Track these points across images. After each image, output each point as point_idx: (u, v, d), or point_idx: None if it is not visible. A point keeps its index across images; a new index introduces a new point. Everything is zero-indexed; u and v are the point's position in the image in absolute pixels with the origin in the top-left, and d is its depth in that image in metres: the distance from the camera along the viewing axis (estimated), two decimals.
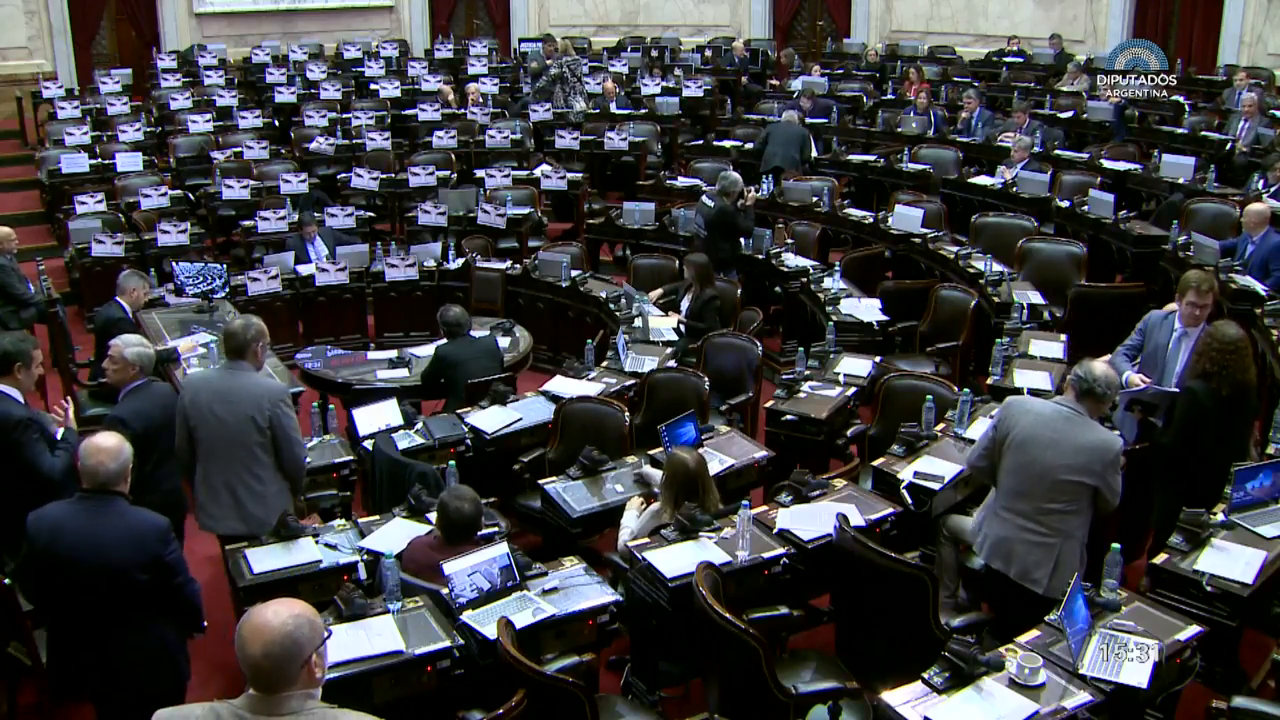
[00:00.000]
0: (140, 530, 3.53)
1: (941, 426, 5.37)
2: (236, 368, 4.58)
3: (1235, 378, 4.71)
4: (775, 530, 4.49)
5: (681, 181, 10.68)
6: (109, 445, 3.61)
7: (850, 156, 11.15)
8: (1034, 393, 5.48)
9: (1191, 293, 5.26)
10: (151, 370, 4.81)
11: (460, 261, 8.64)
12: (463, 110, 12.58)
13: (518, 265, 8.59)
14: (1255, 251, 7.39)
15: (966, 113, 11.44)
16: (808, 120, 11.72)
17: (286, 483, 4.70)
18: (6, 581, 4.18)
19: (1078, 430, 4.08)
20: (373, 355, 7.09)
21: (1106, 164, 10.07)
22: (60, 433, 4.59)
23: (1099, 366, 4.15)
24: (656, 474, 4.83)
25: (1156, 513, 4.91)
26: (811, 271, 7.99)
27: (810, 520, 4.49)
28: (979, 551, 4.37)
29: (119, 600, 3.51)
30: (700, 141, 12.21)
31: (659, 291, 7.80)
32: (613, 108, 12.83)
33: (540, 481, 5.13)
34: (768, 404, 5.97)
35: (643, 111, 12.82)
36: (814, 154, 11.21)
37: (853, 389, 6.04)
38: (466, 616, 3.89)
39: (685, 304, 7.46)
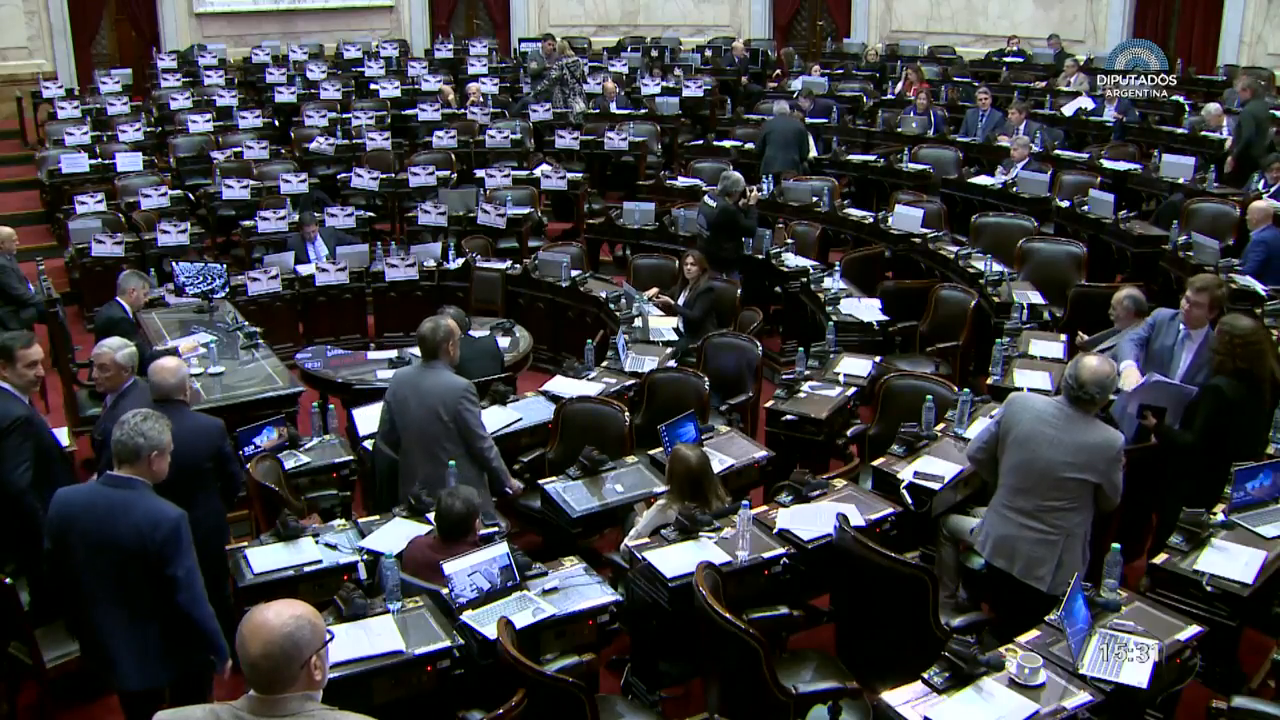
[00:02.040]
0: (205, 428, 4.48)
1: (941, 426, 5.37)
2: (431, 367, 5.02)
3: (1260, 364, 4.71)
4: (775, 530, 4.49)
5: (681, 181, 10.69)
6: (168, 365, 4.53)
7: (850, 156, 11.15)
8: (1034, 393, 5.48)
9: (1190, 291, 5.28)
10: (137, 368, 4.81)
11: (460, 261, 8.64)
12: (463, 110, 12.58)
13: (518, 265, 8.60)
14: (1249, 246, 7.49)
15: (982, 110, 11.36)
16: (808, 120, 11.72)
17: (478, 472, 4.98)
18: (8, 581, 4.19)
19: (1079, 428, 4.08)
20: (373, 355, 7.08)
21: (1106, 164, 10.08)
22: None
23: (1087, 369, 4.09)
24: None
25: (1168, 511, 4.88)
26: (811, 271, 7.99)
27: (810, 520, 4.49)
28: (981, 549, 4.36)
29: (189, 484, 4.20)
30: (700, 141, 12.21)
31: (655, 291, 7.79)
32: (613, 108, 12.82)
33: (540, 481, 5.13)
34: (768, 404, 5.97)
35: (643, 111, 12.82)
36: (814, 152, 11.21)
37: (853, 389, 6.05)
38: (466, 616, 3.89)
39: (683, 298, 7.48)
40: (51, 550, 3.78)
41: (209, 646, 3.75)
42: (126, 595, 3.64)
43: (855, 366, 6.28)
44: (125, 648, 3.68)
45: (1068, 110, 11.65)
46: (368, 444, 5.56)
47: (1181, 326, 5.37)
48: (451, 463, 4.98)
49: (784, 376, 6.23)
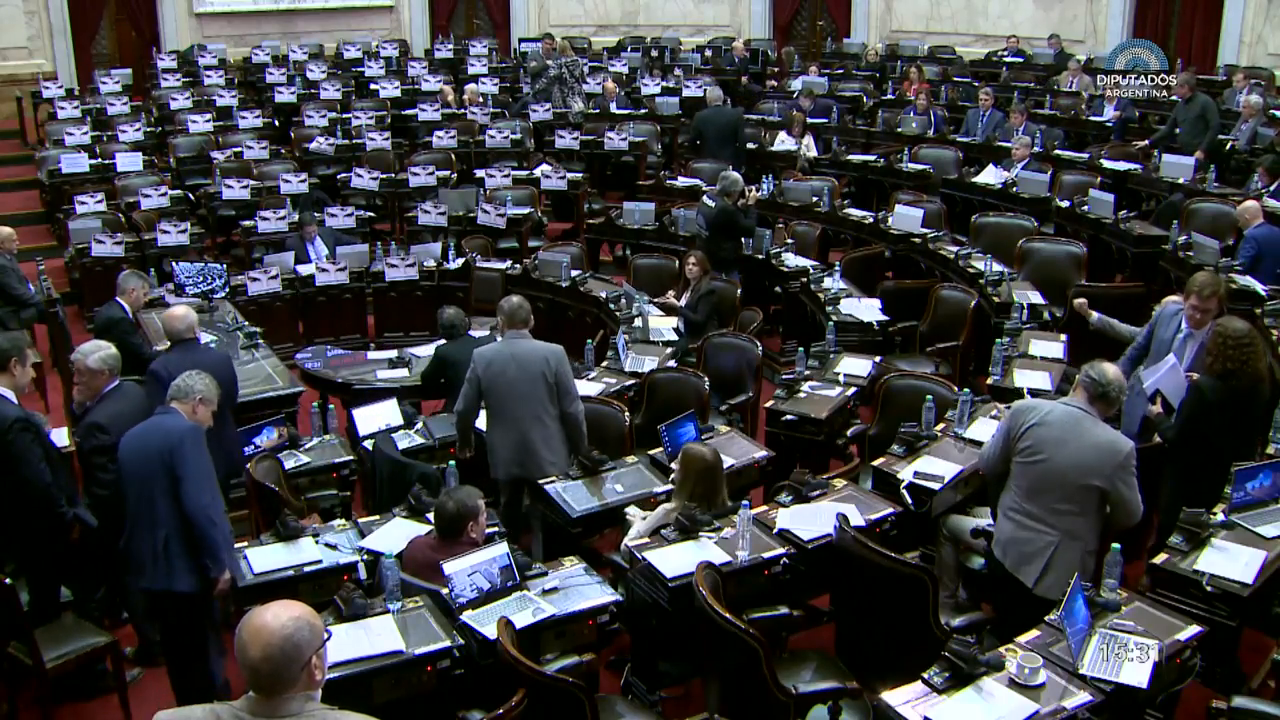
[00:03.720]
0: (223, 358, 5.55)
1: (941, 426, 5.36)
2: (521, 336, 5.27)
3: (1254, 367, 4.71)
4: (775, 530, 4.49)
5: (681, 181, 10.67)
6: (177, 312, 5.44)
7: (850, 156, 11.15)
8: (1034, 393, 5.48)
9: (1194, 296, 5.25)
10: (120, 369, 4.78)
11: (460, 261, 8.64)
12: (463, 110, 12.58)
13: (518, 265, 8.60)
14: (1241, 243, 7.53)
15: (983, 110, 11.33)
16: (809, 120, 11.72)
17: (565, 433, 5.25)
18: (8, 581, 4.19)
19: (1087, 430, 4.08)
20: (373, 355, 7.10)
21: (1106, 164, 10.07)
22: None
23: (1111, 369, 4.14)
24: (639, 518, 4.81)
25: (1163, 509, 4.89)
26: (811, 271, 7.99)
27: (810, 520, 4.49)
28: (994, 552, 4.33)
29: (221, 409, 4.81)
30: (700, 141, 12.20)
31: (670, 294, 7.78)
32: (613, 108, 12.82)
33: (540, 481, 5.13)
34: (768, 404, 5.97)
35: (643, 111, 12.81)
36: (814, 149, 11.21)
37: (853, 389, 6.04)
38: (466, 616, 3.89)
39: (684, 299, 7.48)
40: (117, 475, 4.31)
41: (210, 555, 4.13)
42: (149, 505, 4.10)
43: (855, 366, 6.27)
44: (146, 551, 4.12)
45: (1105, 117, 11.56)
46: (368, 444, 5.57)
47: (1184, 325, 5.36)
48: (451, 463, 4.99)
49: (784, 376, 6.23)
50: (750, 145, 11.46)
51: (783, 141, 11.44)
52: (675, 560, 4.21)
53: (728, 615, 3.62)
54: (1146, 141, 10.59)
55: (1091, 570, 4.09)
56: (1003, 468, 4.34)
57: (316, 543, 4.52)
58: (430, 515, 4.56)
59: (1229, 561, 4.12)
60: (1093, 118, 11.60)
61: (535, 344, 5.28)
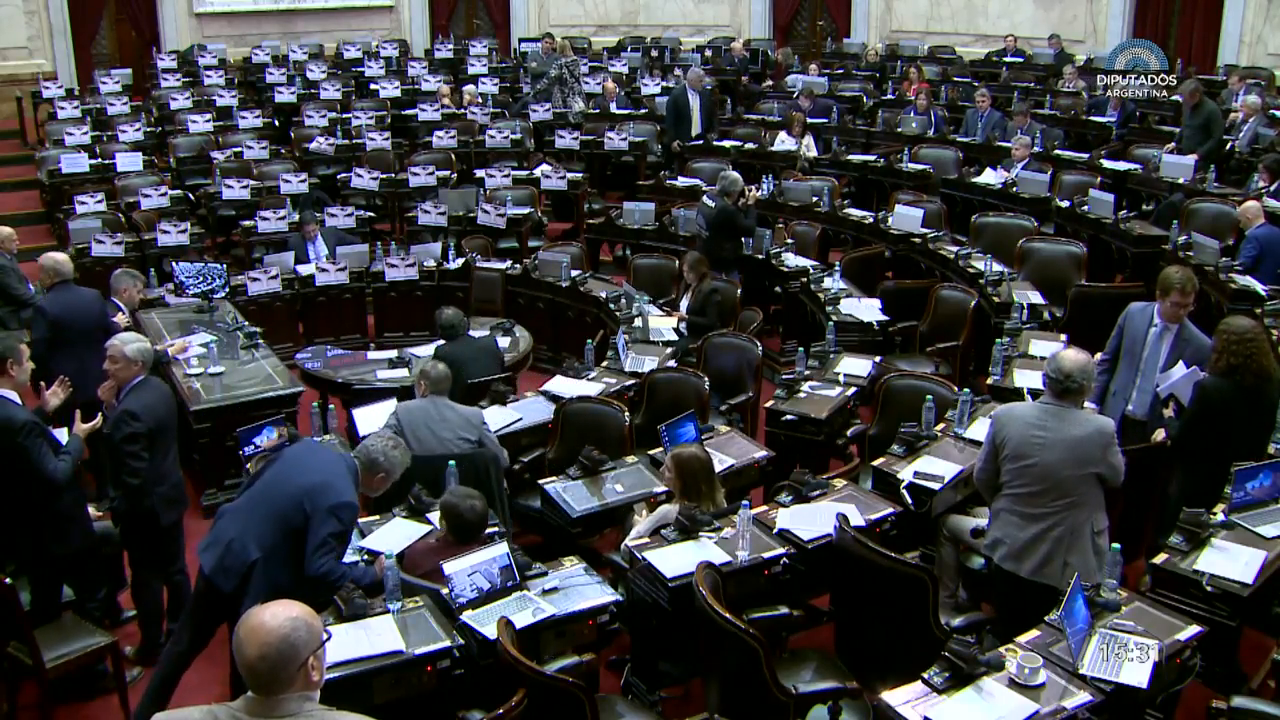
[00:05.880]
0: (94, 295, 6.22)
1: (941, 426, 5.37)
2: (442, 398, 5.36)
3: (1259, 363, 4.72)
4: (775, 530, 4.49)
5: (681, 181, 10.68)
6: (58, 256, 6.27)
7: (850, 156, 11.15)
8: (1034, 393, 5.47)
9: (1176, 293, 5.26)
10: (151, 366, 4.83)
11: (460, 261, 8.64)
12: (463, 110, 12.58)
13: (518, 265, 8.60)
14: (1243, 243, 7.55)
15: (981, 111, 11.34)
16: (809, 120, 11.71)
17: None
18: (8, 581, 4.19)
19: (1067, 424, 4.09)
20: (373, 355, 7.10)
21: (1106, 164, 10.07)
22: (66, 441, 4.62)
23: (1069, 359, 4.11)
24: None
25: (1172, 507, 4.87)
26: (811, 271, 7.99)
27: (810, 520, 4.49)
28: (992, 554, 4.32)
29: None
30: (700, 141, 12.20)
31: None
32: (613, 108, 12.82)
33: (540, 481, 5.13)
34: (768, 404, 5.97)
35: (643, 111, 12.81)
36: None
37: (853, 389, 6.04)
38: (466, 616, 3.89)
39: (686, 301, 7.48)
40: (149, 463, 4.55)
41: (357, 584, 4.03)
42: (262, 518, 4.03)
43: (855, 366, 6.27)
44: (227, 547, 4.02)
45: (1108, 118, 11.56)
46: None
47: (1156, 318, 5.38)
48: (451, 463, 4.99)
49: (784, 376, 6.22)
50: (740, 144, 11.63)
51: (783, 141, 11.44)
52: (675, 560, 4.21)
53: (728, 615, 3.62)
54: (1169, 145, 10.34)
55: (1105, 548, 4.09)
56: (989, 477, 4.34)
57: None
58: (430, 515, 4.57)
59: (1229, 561, 4.12)
60: (1094, 118, 11.60)
61: (459, 408, 5.34)
